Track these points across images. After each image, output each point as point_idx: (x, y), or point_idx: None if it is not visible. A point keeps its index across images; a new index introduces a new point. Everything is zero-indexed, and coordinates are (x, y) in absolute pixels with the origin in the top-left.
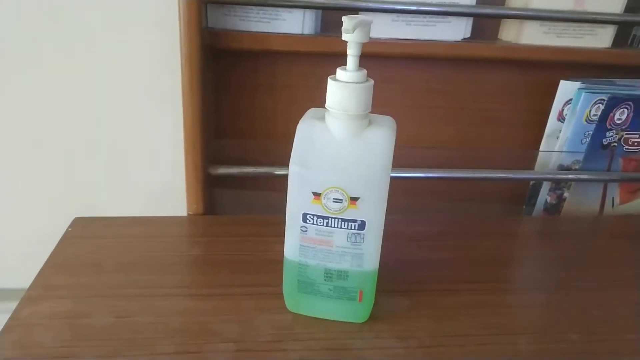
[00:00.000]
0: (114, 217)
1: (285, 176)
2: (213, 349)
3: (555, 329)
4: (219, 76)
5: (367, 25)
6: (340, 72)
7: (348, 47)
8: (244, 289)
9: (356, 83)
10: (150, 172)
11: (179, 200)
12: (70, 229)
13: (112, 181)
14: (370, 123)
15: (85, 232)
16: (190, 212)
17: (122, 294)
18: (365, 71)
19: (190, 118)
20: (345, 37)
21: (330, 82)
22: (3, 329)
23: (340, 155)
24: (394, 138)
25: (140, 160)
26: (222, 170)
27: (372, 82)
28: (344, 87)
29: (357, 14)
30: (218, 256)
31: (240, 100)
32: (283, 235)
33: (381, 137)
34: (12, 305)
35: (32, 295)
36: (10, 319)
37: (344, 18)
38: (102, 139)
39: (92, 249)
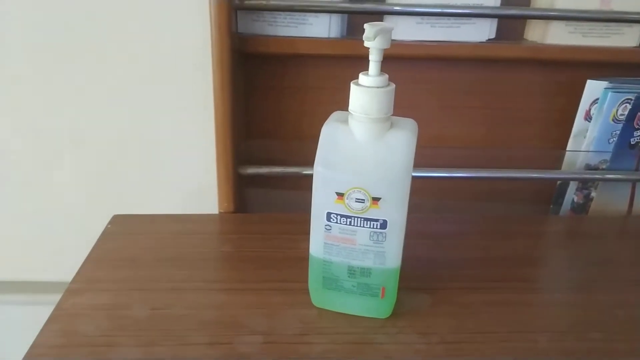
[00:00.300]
0: (150, 215)
1: (312, 176)
2: (242, 340)
3: (577, 328)
4: (249, 79)
5: (387, 32)
6: (362, 77)
7: (370, 53)
8: (272, 284)
9: (378, 88)
10: (184, 171)
11: (211, 199)
12: (109, 226)
13: (148, 180)
14: (392, 125)
15: (123, 228)
16: (221, 210)
17: (158, 287)
18: (386, 76)
19: (221, 120)
20: (367, 43)
21: (353, 87)
22: (48, 318)
23: (362, 157)
24: (415, 140)
25: (175, 160)
26: (252, 170)
27: (393, 86)
28: (366, 92)
29: (382, 17)
30: (248, 253)
31: (268, 102)
32: (309, 233)
33: (402, 139)
34: (56, 297)
35: (75, 288)
36: (55, 309)
37: (365, 25)
38: (139, 139)
39: (130, 244)
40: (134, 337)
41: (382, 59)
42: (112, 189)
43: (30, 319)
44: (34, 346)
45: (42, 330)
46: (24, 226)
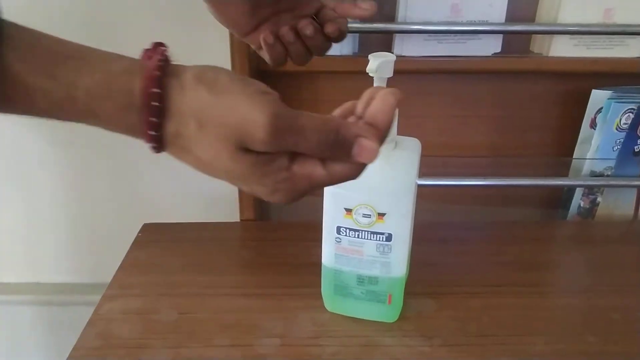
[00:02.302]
0: (177, 223)
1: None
2: (261, 342)
3: (574, 331)
4: None
5: (389, 63)
6: None
7: (374, 81)
8: (288, 290)
9: None
10: (207, 181)
11: (233, 207)
12: (140, 234)
13: (174, 190)
14: (396, 145)
15: (153, 236)
16: (242, 219)
17: (184, 293)
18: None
19: None
20: (368, 70)
21: None
22: (87, 323)
23: (368, 175)
24: (417, 159)
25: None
26: None
27: (396, 110)
28: None
29: (392, 36)
30: (266, 259)
31: None
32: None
33: (406, 159)
34: (90, 297)
35: (110, 294)
36: (93, 314)
37: (370, 57)
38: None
39: (158, 251)
40: (163, 339)
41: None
42: (141, 198)
43: (71, 318)
44: (75, 348)
45: (82, 334)
46: (59, 232)
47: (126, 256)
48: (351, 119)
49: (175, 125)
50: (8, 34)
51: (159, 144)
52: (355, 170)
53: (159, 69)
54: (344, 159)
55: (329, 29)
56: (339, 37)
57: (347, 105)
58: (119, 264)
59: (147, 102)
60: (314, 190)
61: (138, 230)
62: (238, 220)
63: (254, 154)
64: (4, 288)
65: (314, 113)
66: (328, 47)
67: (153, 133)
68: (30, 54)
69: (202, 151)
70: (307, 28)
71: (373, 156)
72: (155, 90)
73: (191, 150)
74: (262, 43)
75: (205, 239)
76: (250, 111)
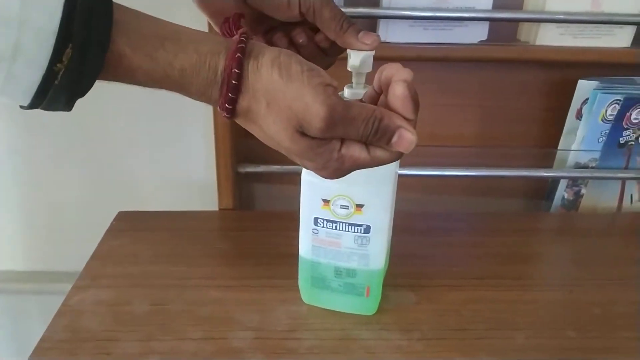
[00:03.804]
0: (153, 212)
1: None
2: (236, 336)
3: (554, 325)
4: None
5: (369, 58)
6: (347, 90)
7: (353, 76)
8: (265, 281)
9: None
10: (185, 168)
11: (211, 195)
12: (114, 222)
13: (152, 177)
14: None
15: (127, 225)
16: (221, 207)
17: (158, 284)
18: (369, 89)
19: (220, 119)
20: (350, 67)
21: None
22: (55, 314)
23: None
24: None
25: (177, 158)
26: (250, 169)
27: None
28: None
29: (376, 21)
30: (244, 250)
31: None
32: None
33: None
34: (62, 286)
35: (81, 285)
36: (62, 305)
37: (350, 53)
38: (143, 137)
39: (133, 240)
40: (135, 332)
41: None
42: (117, 185)
43: (39, 307)
44: (42, 340)
45: (49, 326)
46: (35, 219)
47: (99, 245)
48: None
49: (247, 101)
50: (117, 19)
51: (231, 115)
52: (394, 156)
53: (240, 51)
54: (385, 146)
55: (318, 37)
56: (332, 49)
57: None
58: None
59: (228, 80)
60: (358, 169)
61: (113, 217)
62: (217, 209)
63: (309, 138)
64: None
65: (364, 104)
66: (328, 62)
67: (229, 106)
68: (136, 38)
69: (266, 126)
70: (300, 36)
71: (410, 146)
72: (235, 70)
73: (257, 122)
74: None
75: (181, 228)
76: (313, 103)
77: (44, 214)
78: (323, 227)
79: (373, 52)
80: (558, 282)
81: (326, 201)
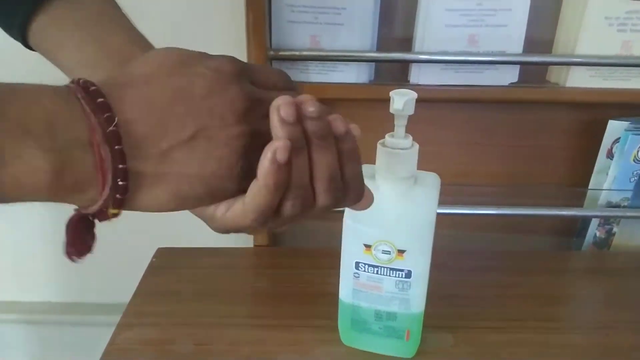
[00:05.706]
0: (191, 248)
1: (343, 208)
2: None
3: None
4: None
5: (412, 100)
6: (388, 139)
7: (395, 118)
8: (304, 321)
9: (402, 149)
10: None
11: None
12: (154, 259)
13: (187, 212)
14: (416, 181)
15: (167, 262)
16: (256, 244)
17: (199, 323)
18: (410, 137)
19: None
20: (393, 111)
21: (379, 148)
22: (103, 353)
23: (388, 212)
24: (437, 195)
25: None
26: None
27: (417, 146)
28: (391, 154)
29: (408, 65)
30: (281, 288)
31: None
32: (339, 269)
33: (425, 195)
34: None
35: (125, 323)
36: (109, 344)
37: (392, 96)
38: None
39: (173, 278)
40: None
41: (406, 124)
42: (150, 218)
43: (73, 338)
44: None
45: None
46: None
47: (140, 282)
48: None
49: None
50: None
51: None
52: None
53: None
54: None
55: None
56: None
57: None
58: (129, 285)
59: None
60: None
61: (148, 252)
62: (251, 245)
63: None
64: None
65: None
66: None
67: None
68: None
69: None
70: None
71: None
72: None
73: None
74: None
75: (219, 265)
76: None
77: None
78: (364, 271)
79: (415, 95)
80: (595, 325)
81: (368, 246)
